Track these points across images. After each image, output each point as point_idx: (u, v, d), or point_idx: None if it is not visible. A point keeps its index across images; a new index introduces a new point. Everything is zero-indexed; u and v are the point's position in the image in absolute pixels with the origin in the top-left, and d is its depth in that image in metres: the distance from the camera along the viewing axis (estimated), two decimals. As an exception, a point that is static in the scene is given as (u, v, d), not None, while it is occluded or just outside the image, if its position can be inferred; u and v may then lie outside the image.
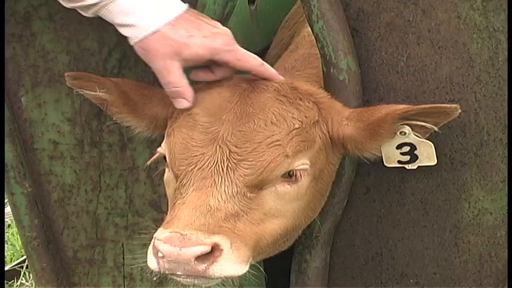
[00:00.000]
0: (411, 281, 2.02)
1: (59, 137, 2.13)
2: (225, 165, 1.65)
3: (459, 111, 1.71)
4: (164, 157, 1.78)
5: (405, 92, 1.89)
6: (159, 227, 1.62)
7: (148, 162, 1.88)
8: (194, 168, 1.66)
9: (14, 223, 3.39)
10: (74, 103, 2.10)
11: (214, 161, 1.65)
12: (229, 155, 1.65)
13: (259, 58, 1.82)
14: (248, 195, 1.65)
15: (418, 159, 1.79)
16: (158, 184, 2.14)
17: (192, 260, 1.54)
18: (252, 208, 1.66)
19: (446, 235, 1.96)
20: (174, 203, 1.66)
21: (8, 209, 2.58)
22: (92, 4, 1.75)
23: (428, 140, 1.77)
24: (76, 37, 2.05)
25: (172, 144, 1.72)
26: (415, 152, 1.78)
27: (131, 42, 1.75)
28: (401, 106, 1.77)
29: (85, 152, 2.14)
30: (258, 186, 1.67)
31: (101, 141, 2.12)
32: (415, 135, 1.75)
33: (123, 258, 2.22)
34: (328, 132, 1.79)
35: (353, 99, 1.86)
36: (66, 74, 1.89)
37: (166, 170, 1.79)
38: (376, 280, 2.05)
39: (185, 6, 1.77)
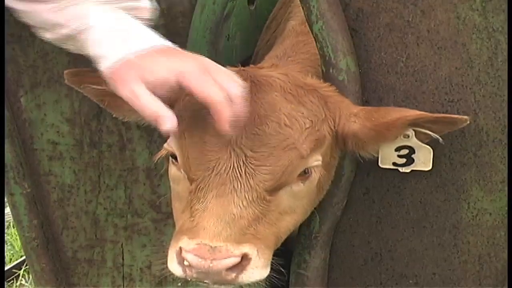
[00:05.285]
0: (410, 281, 2.02)
1: (59, 138, 2.13)
2: (243, 170, 1.64)
3: (468, 122, 1.72)
4: (171, 155, 1.76)
5: (405, 92, 1.89)
6: (170, 233, 1.62)
7: (156, 159, 1.86)
8: (211, 173, 1.64)
9: (13, 223, 3.38)
10: (73, 103, 2.10)
11: (231, 166, 1.64)
12: (245, 160, 1.64)
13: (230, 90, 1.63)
14: (267, 199, 1.66)
15: (414, 163, 1.79)
16: (158, 184, 2.14)
17: (223, 271, 1.55)
18: (270, 210, 1.67)
19: (446, 236, 1.96)
20: (191, 207, 1.65)
21: (7, 210, 2.58)
22: (67, 35, 1.73)
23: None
24: (75, 38, 2.06)
25: (185, 147, 1.70)
26: (413, 155, 1.78)
27: (105, 76, 1.70)
28: (413, 112, 1.77)
29: (85, 152, 2.14)
30: (276, 189, 1.67)
31: (101, 142, 2.12)
32: (417, 139, 1.75)
33: (123, 259, 2.22)
34: (335, 126, 1.79)
35: (353, 99, 1.85)
36: (65, 72, 1.87)
37: (174, 167, 1.77)
38: (375, 280, 2.05)
39: (164, 42, 1.70)
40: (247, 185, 1.63)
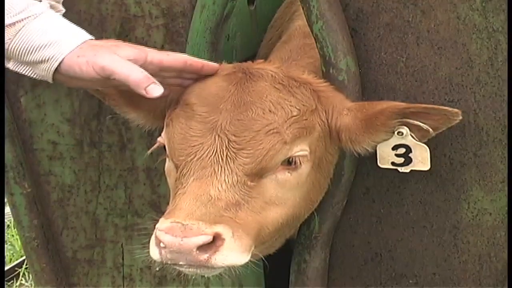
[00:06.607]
0: (410, 281, 2.02)
1: (59, 138, 2.13)
2: (225, 154, 1.65)
3: (460, 117, 1.71)
4: (164, 147, 1.78)
5: (405, 92, 1.89)
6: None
7: (149, 152, 1.88)
8: (194, 158, 1.66)
9: (13, 223, 3.38)
10: (73, 103, 2.10)
11: (213, 151, 1.65)
12: (228, 144, 1.66)
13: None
14: (249, 184, 1.65)
15: (412, 163, 1.79)
16: (158, 184, 2.14)
17: (194, 250, 1.54)
18: (253, 196, 1.66)
19: (446, 236, 1.96)
20: (175, 193, 1.66)
21: (7, 210, 2.58)
22: (11, 24, 1.69)
23: (428, 140, 1.77)
24: (75, 38, 2.05)
25: (171, 134, 1.73)
26: (410, 155, 1.78)
27: (55, 64, 1.68)
28: (402, 103, 1.78)
29: (85, 152, 2.14)
30: (258, 174, 1.67)
31: (101, 142, 2.12)
32: (412, 138, 1.75)
33: (123, 259, 2.22)
34: (327, 119, 1.79)
35: (353, 99, 1.85)
36: None
37: (167, 160, 1.79)
38: (375, 280, 2.05)
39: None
40: (227, 169, 1.64)
